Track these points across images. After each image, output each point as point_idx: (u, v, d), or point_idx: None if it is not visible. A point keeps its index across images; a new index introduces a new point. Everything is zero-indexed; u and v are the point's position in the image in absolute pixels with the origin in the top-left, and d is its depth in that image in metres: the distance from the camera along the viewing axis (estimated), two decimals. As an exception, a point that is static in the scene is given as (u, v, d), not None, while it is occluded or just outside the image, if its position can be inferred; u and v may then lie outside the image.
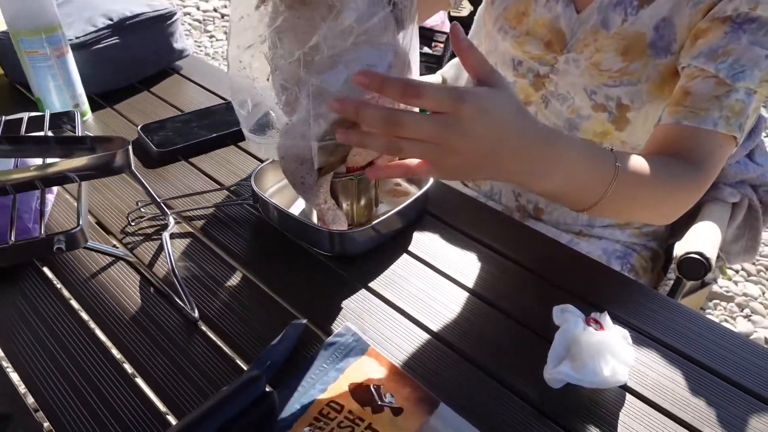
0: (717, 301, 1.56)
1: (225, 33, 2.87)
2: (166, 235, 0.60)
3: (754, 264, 1.67)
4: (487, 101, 0.44)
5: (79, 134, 0.55)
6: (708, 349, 0.52)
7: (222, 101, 0.88)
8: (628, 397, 0.47)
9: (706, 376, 0.49)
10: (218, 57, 2.67)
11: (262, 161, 0.75)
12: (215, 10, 3.05)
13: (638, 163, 0.56)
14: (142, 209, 0.66)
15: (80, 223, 0.43)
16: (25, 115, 0.55)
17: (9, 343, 0.51)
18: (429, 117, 0.43)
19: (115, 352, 0.51)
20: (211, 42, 2.81)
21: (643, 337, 0.53)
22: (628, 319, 0.54)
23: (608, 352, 0.46)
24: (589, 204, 0.55)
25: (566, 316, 0.50)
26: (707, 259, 0.76)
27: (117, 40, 0.86)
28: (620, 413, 0.46)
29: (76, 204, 0.66)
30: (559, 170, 0.50)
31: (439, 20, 2.15)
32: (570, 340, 0.48)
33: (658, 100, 0.70)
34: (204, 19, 2.97)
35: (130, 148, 0.45)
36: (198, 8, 3.06)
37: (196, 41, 2.79)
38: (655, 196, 0.59)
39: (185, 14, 3.01)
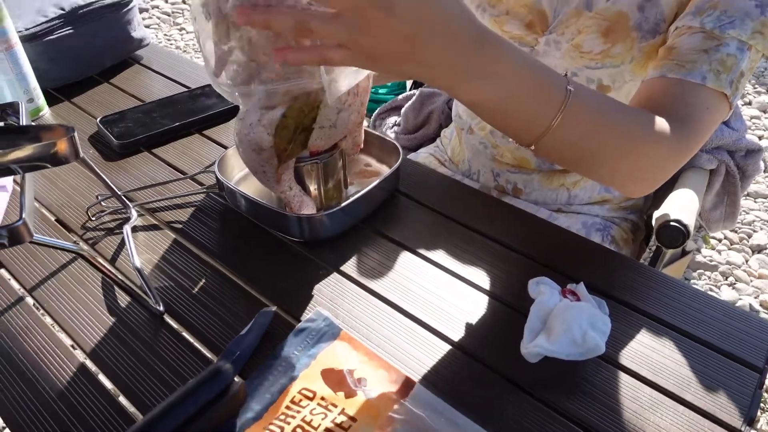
0: (701, 270, 1.57)
1: (196, 25, 2.81)
2: (127, 228, 0.57)
3: (736, 232, 1.68)
4: None
5: (23, 125, 0.52)
6: (689, 315, 0.51)
7: (185, 89, 0.85)
8: (607, 367, 0.46)
9: (687, 343, 0.48)
10: (189, 50, 2.62)
11: (227, 148, 0.73)
12: (183, 2, 2.98)
13: (602, 99, 0.50)
14: (102, 203, 0.63)
15: (23, 216, 0.41)
16: (-34, 108, 0.52)
17: (-37, 348, 0.48)
18: None
19: (77, 351, 0.49)
20: (181, 35, 2.74)
21: (622, 306, 0.52)
22: (607, 290, 0.53)
23: (584, 322, 0.45)
24: (535, 134, 0.47)
25: (541, 288, 0.49)
26: (685, 226, 0.75)
27: (70, 31, 0.83)
28: (600, 383, 0.45)
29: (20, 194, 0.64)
30: (493, 76, 0.43)
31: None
32: (545, 312, 0.47)
33: (638, 76, 0.68)
34: (173, 12, 2.91)
35: (76, 135, 0.43)
36: (166, 0, 2.99)
37: (165, 35, 2.73)
38: (623, 144, 0.51)
39: (153, 7, 2.94)
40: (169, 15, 2.88)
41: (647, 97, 0.57)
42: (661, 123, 0.51)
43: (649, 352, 0.48)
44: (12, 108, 0.53)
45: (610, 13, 0.65)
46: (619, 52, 0.66)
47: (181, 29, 2.78)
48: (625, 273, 0.55)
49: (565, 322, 0.44)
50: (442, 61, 0.41)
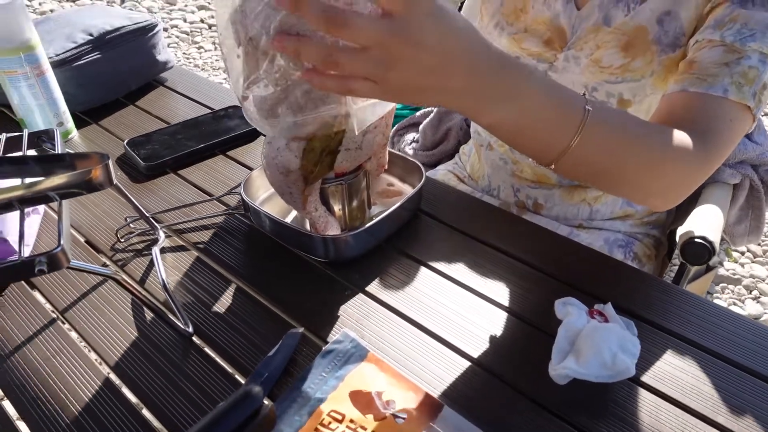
0: (724, 284, 1.55)
1: (213, 43, 2.86)
2: (155, 249, 0.58)
3: (759, 245, 1.66)
4: (443, 8, 0.39)
5: (59, 152, 0.54)
6: (716, 334, 0.50)
7: (208, 111, 0.87)
8: (637, 389, 0.46)
9: (716, 363, 0.48)
10: (207, 68, 2.66)
11: (251, 169, 0.74)
12: (202, 21, 3.04)
13: (622, 116, 0.50)
14: (131, 224, 0.65)
15: (61, 242, 0.42)
16: (3, 136, 0.54)
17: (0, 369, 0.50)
18: (376, 19, 0.37)
19: (108, 372, 0.50)
20: (200, 53, 2.80)
21: (648, 326, 0.51)
22: (633, 309, 0.53)
23: (614, 344, 0.45)
24: (554, 153, 0.47)
25: (568, 309, 0.49)
26: (711, 242, 0.74)
27: (98, 56, 0.85)
28: (630, 406, 0.45)
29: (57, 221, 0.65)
30: (513, 99, 0.44)
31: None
32: (573, 333, 0.46)
33: (659, 90, 0.67)
34: (191, 31, 2.96)
35: (110, 162, 0.44)
36: (185, 20, 3.06)
37: (184, 53, 2.78)
38: (644, 160, 0.50)
39: (172, 27, 3.00)
40: (187, 34, 2.94)
41: (669, 111, 0.56)
42: (683, 137, 0.51)
43: (679, 373, 0.47)
44: (47, 135, 0.55)
45: (628, 28, 0.65)
46: (639, 66, 0.66)
47: (199, 48, 2.83)
48: (650, 292, 0.55)
49: (594, 345, 0.44)
50: (465, 89, 0.42)
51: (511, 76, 0.44)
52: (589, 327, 0.46)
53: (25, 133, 0.54)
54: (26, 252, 0.56)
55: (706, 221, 0.79)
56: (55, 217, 0.66)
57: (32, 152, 0.56)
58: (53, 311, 0.55)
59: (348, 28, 0.37)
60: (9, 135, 0.54)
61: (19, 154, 0.53)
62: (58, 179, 0.42)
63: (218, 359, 0.50)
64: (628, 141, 0.49)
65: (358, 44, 0.38)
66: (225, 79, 2.58)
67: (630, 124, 0.50)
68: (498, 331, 0.51)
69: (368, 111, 0.48)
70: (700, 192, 0.88)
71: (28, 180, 0.47)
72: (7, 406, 0.47)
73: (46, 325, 0.54)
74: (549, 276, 0.57)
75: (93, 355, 0.51)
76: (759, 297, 1.51)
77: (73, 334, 0.53)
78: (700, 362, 0.48)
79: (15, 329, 0.53)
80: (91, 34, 0.85)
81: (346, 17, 0.37)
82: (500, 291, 0.55)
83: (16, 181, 0.51)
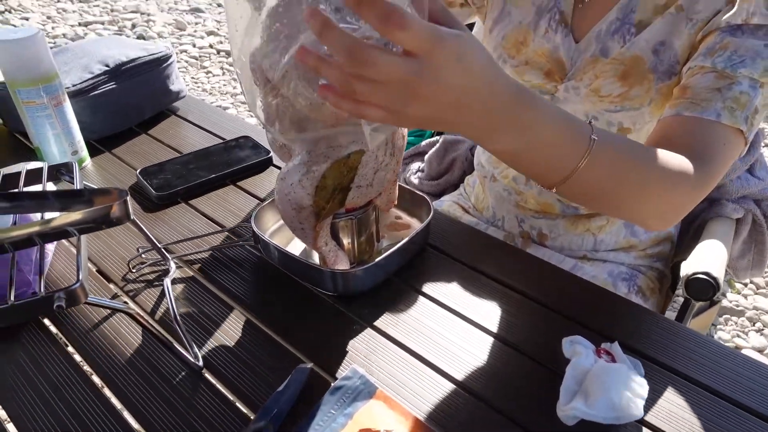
0: (727, 316, 1.54)
1: (222, 68, 2.91)
2: (167, 281, 0.59)
3: (763, 277, 1.66)
4: (465, 47, 0.39)
5: (77, 185, 0.55)
6: (722, 375, 0.50)
7: (220, 140, 0.88)
8: (645, 431, 0.46)
9: (722, 405, 0.48)
10: (215, 92, 2.70)
11: (261, 200, 0.75)
12: (211, 46, 3.09)
13: (623, 142, 0.52)
14: (142, 255, 0.65)
15: (80, 278, 0.43)
16: (23, 168, 0.55)
17: (10, 399, 0.50)
18: (399, 58, 0.38)
19: (119, 405, 0.50)
20: (208, 78, 2.84)
21: (655, 366, 0.52)
22: (639, 347, 0.53)
23: (622, 384, 0.45)
24: (558, 177, 0.49)
25: (576, 348, 0.49)
26: (715, 279, 0.75)
27: (114, 86, 0.87)
28: (638, 449, 0.45)
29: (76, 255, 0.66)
30: (524, 131, 0.45)
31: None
32: (581, 373, 0.47)
33: (657, 117, 0.70)
34: (200, 56, 3.01)
35: (128, 199, 0.45)
36: (194, 45, 3.11)
37: (193, 77, 2.82)
38: (644, 184, 0.52)
39: (182, 51, 3.05)
40: (196, 59, 2.99)
41: (664, 134, 0.58)
42: (680, 161, 0.53)
43: (685, 414, 0.47)
44: (66, 168, 0.56)
45: (625, 58, 0.67)
46: (638, 95, 0.68)
47: (207, 72, 2.88)
48: (656, 330, 0.55)
49: (602, 385, 0.44)
50: (481, 121, 0.43)
51: (525, 110, 0.45)
52: (597, 367, 0.46)
53: (45, 166, 0.55)
54: (36, 286, 0.57)
55: (710, 256, 0.79)
56: (67, 246, 0.67)
57: (51, 185, 0.58)
58: (65, 342, 0.56)
59: (371, 66, 0.37)
60: (29, 167, 0.56)
61: (39, 187, 0.54)
62: (78, 215, 0.43)
63: (227, 393, 0.51)
64: (629, 166, 0.51)
65: (379, 80, 0.39)
66: (232, 103, 2.62)
67: (632, 150, 0.52)
68: (506, 369, 0.52)
69: (381, 131, 0.48)
70: (704, 226, 0.89)
71: (47, 215, 0.48)
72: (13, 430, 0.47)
73: (57, 355, 0.54)
74: (555, 312, 0.57)
75: (101, 387, 0.51)
76: (762, 329, 1.50)
77: (85, 366, 0.53)
78: (708, 404, 0.48)
79: (26, 358, 0.53)
80: (107, 65, 0.87)
81: (370, 55, 0.37)
82: (508, 327, 0.56)
83: (36, 216, 0.52)
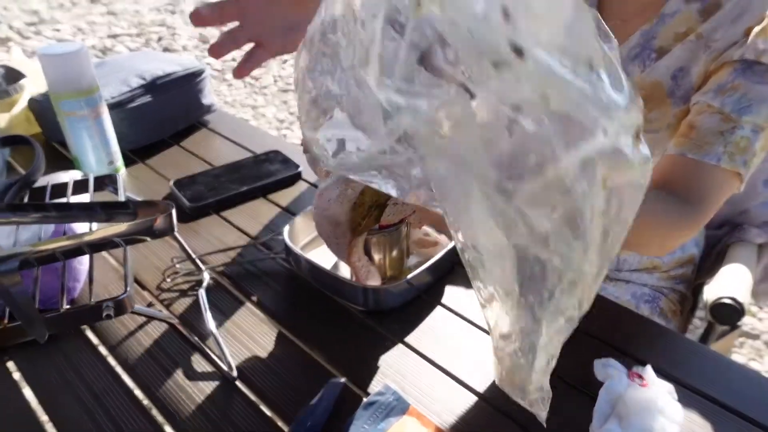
0: (743, 339, 1.53)
1: (242, 81, 2.96)
2: (202, 291, 0.60)
3: (780, 302, 1.64)
4: None
5: (122, 197, 0.57)
6: (755, 401, 0.50)
7: (250, 154, 0.90)
8: (679, 456, 0.46)
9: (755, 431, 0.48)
10: (236, 105, 2.75)
11: (292, 214, 0.77)
12: (233, 60, 3.15)
13: None
14: (177, 265, 0.67)
15: (128, 288, 0.44)
16: (71, 180, 0.57)
17: (53, 405, 0.51)
18: None
19: (155, 413, 0.51)
20: (230, 90, 2.89)
21: (686, 390, 0.52)
22: (671, 371, 0.53)
23: (656, 410, 0.45)
24: None
25: (609, 371, 0.49)
26: (740, 303, 0.75)
27: (150, 99, 0.89)
28: (672, 474, 0.45)
29: (115, 264, 0.68)
30: None
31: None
32: (615, 397, 0.47)
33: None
34: (223, 69, 3.07)
35: (174, 212, 0.46)
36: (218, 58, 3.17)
37: (215, 90, 2.87)
38: (649, 224, 0.56)
39: (205, 65, 3.11)
40: (219, 71, 3.05)
41: (668, 171, 0.63)
42: (680, 207, 0.60)
43: (719, 441, 0.47)
44: (110, 179, 0.58)
45: (646, 83, 0.69)
46: (656, 118, 0.69)
47: (229, 85, 2.93)
48: (685, 353, 0.55)
49: (637, 410, 0.45)
50: None
51: None
52: (630, 391, 0.46)
53: (91, 177, 0.57)
54: (75, 291, 0.59)
55: (734, 282, 0.79)
56: (105, 255, 0.69)
57: (84, 195, 0.59)
58: (102, 348, 0.57)
59: None
60: (76, 179, 0.58)
61: (85, 197, 0.56)
62: (125, 226, 0.45)
63: (261, 405, 0.51)
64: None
65: None
66: (253, 116, 2.65)
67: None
68: (536, 389, 0.52)
69: None
70: (726, 251, 0.89)
71: (95, 225, 0.50)
72: (58, 442, 0.48)
73: (96, 363, 0.55)
74: (585, 334, 0.58)
75: (140, 395, 0.52)
76: (782, 354, 1.48)
77: (122, 373, 0.54)
78: (739, 429, 0.48)
79: (67, 366, 0.55)
80: (144, 78, 0.89)
81: None
82: (537, 348, 0.56)
83: (84, 226, 0.54)
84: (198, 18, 0.58)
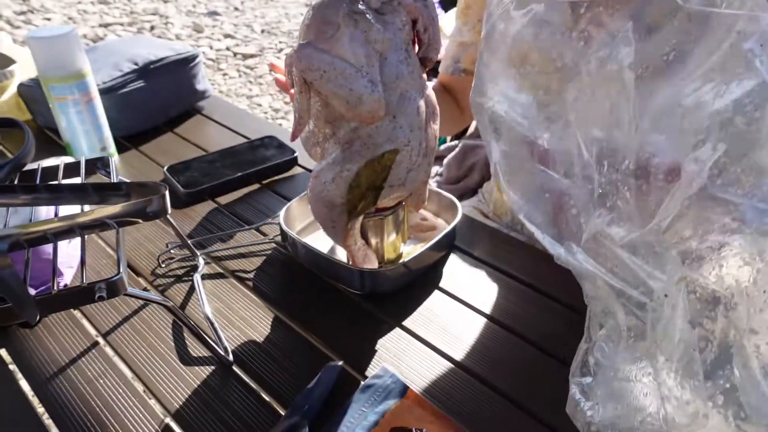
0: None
1: (238, 71, 2.93)
2: (197, 276, 0.60)
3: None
4: None
5: (114, 180, 0.56)
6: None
7: (245, 140, 0.89)
8: (679, 436, 0.46)
9: None
10: (231, 94, 2.73)
11: (288, 199, 0.76)
12: (228, 49, 3.12)
13: None
14: (171, 251, 0.66)
15: (120, 270, 0.43)
16: (61, 162, 0.56)
17: (46, 392, 0.50)
18: None
19: (149, 397, 0.50)
20: (225, 79, 2.86)
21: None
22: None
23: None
24: None
25: (608, 352, 0.49)
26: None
27: (142, 84, 0.88)
28: (671, 454, 0.44)
29: (108, 250, 0.67)
30: None
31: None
32: (615, 377, 0.47)
33: None
34: (217, 58, 3.04)
35: (167, 193, 0.46)
36: (211, 47, 3.14)
37: (210, 79, 2.85)
38: None
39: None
40: (213, 60, 3.02)
41: None
42: None
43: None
44: (102, 162, 0.57)
45: None
46: None
47: (224, 75, 2.91)
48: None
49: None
50: None
51: None
52: (630, 371, 0.46)
53: (83, 160, 0.56)
54: (68, 276, 0.58)
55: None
56: (95, 238, 0.68)
57: (76, 179, 0.58)
58: (96, 334, 0.56)
59: None
60: (66, 161, 0.57)
61: (78, 181, 0.55)
62: (117, 207, 0.44)
63: (258, 389, 0.51)
64: None
65: None
66: (248, 105, 2.63)
67: None
68: (538, 372, 0.52)
69: None
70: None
71: (87, 207, 0.49)
72: (51, 425, 0.48)
73: (89, 348, 0.55)
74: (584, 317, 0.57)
75: (134, 380, 0.52)
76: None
77: (115, 358, 0.54)
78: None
79: (59, 351, 0.54)
80: (136, 63, 0.88)
81: None
82: (535, 330, 0.56)
83: (75, 208, 0.53)
84: (278, 81, 0.63)
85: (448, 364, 0.53)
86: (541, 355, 0.53)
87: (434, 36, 0.53)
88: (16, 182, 0.53)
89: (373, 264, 0.59)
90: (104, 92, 0.83)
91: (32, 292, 0.51)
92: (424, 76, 0.55)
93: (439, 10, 2.17)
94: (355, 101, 0.48)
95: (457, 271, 0.64)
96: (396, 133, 0.51)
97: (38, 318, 0.41)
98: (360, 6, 0.48)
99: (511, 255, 0.66)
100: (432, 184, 1.11)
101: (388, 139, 0.51)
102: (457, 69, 0.91)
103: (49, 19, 3.42)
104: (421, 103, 0.52)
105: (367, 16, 0.48)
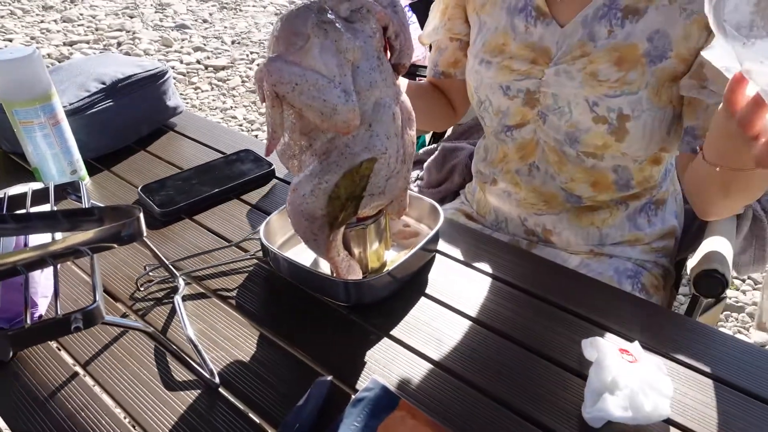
0: (728, 312, 1.55)
1: (210, 84, 2.90)
2: (178, 298, 0.58)
3: (761, 273, 1.67)
4: None
5: (86, 205, 0.54)
6: (744, 371, 0.50)
7: (220, 155, 0.88)
8: (673, 430, 0.46)
9: (747, 401, 0.48)
10: (205, 108, 2.69)
11: (267, 213, 0.75)
12: (198, 62, 3.09)
13: None
14: (150, 273, 0.64)
15: (96, 298, 0.42)
16: (29, 189, 0.54)
17: (21, 425, 0.48)
18: None
19: (135, 428, 0.49)
20: (197, 93, 2.83)
21: (675, 364, 0.51)
22: (658, 346, 0.53)
23: (647, 385, 0.45)
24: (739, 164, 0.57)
25: (597, 349, 0.49)
26: (723, 275, 0.75)
27: (111, 103, 0.86)
28: (667, 448, 0.44)
29: (84, 276, 0.65)
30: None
31: (421, 55, 2.19)
32: (605, 375, 0.46)
33: (655, 107, 0.71)
34: (188, 72, 3.01)
35: (142, 216, 0.44)
36: (181, 61, 3.10)
37: (181, 94, 2.81)
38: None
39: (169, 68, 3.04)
40: (184, 75, 2.98)
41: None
42: None
43: (710, 411, 0.47)
44: (72, 187, 0.55)
45: (620, 46, 0.70)
46: (634, 79, 0.70)
47: (196, 88, 2.87)
48: (670, 327, 0.55)
49: (627, 386, 0.44)
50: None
51: None
52: (620, 368, 0.46)
53: (51, 185, 0.54)
54: (43, 307, 0.56)
55: (716, 254, 0.80)
56: (69, 266, 0.66)
57: (56, 206, 0.56)
58: (74, 364, 0.54)
59: None
60: (34, 188, 0.55)
61: (47, 208, 0.53)
62: (90, 233, 0.42)
63: (245, 410, 0.50)
64: None
65: None
66: (222, 119, 2.61)
67: None
68: (528, 374, 0.51)
69: None
70: (706, 223, 0.90)
71: (58, 235, 0.47)
72: (32, 466, 0.46)
73: (69, 379, 0.53)
74: (571, 313, 0.57)
75: (118, 410, 0.50)
76: (765, 324, 1.51)
77: (97, 389, 0.52)
78: (733, 400, 0.48)
79: (38, 385, 0.52)
80: (103, 83, 0.86)
81: None
82: (523, 331, 0.56)
83: (46, 237, 0.51)
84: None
85: (438, 371, 0.52)
86: (535, 358, 0.53)
87: (406, 42, 0.52)
88: (-19, 213, 0.51)
89: (357, 274, 0.58)
90: (71, 114, 0.81)
91: (4, 325, 0.49)
92: (398, 82, 0.54)
93: (410, 13, 2.18)
94: (329, 112, 0.47)
95: (442, 276, 0.63)
96: (373, 142, 0.50)
97: (12, 354, 0.40)
98: (329, 15, 0.47)
99: (494, 256, 0.66)
100: (413, 189, 1.10)
101: (365, 147, 0.50)
102: (437, 73, 0.91)
103: (10, 41, 3.35)
104: (397, 109, 0.52)
105: (337, 25, 0.47)
